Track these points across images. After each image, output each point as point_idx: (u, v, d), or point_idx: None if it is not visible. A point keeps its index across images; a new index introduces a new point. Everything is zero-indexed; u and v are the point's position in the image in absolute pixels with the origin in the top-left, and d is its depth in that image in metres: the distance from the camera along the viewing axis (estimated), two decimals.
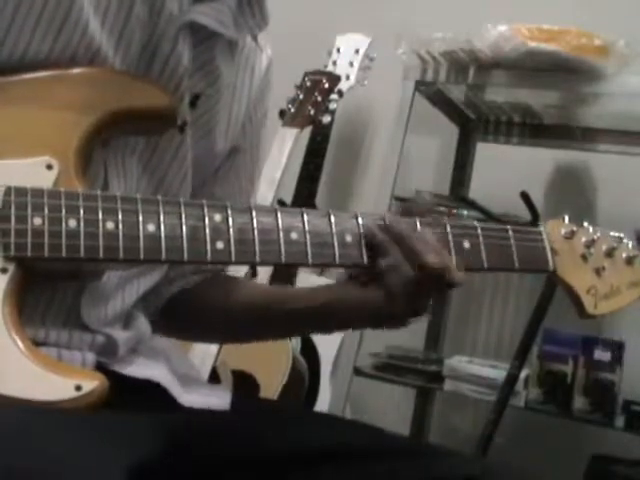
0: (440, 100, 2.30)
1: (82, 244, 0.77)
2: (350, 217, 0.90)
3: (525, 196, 1.87)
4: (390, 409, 2.47)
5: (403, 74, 2.13)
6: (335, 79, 2.28)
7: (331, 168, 2.58)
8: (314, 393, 2.23)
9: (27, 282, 0.78)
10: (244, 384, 2.01)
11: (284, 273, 2.17)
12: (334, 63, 2.37)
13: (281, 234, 0.86)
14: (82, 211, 0.78)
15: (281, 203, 2.19)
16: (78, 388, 0.74)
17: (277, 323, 1.02)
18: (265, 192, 2.03)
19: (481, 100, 2.33)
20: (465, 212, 2.05)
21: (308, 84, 2.26)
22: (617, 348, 2.06)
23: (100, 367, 0.86)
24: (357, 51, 2.38)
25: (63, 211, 0.78)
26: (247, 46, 1.02)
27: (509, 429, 2.14)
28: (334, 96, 2.27)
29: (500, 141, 2.49)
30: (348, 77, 2.34)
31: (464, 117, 2.45)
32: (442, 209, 2.08)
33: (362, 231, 0.90)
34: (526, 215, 1.87)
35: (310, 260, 0.87)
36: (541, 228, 1.01)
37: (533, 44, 1.97)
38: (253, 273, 2.03)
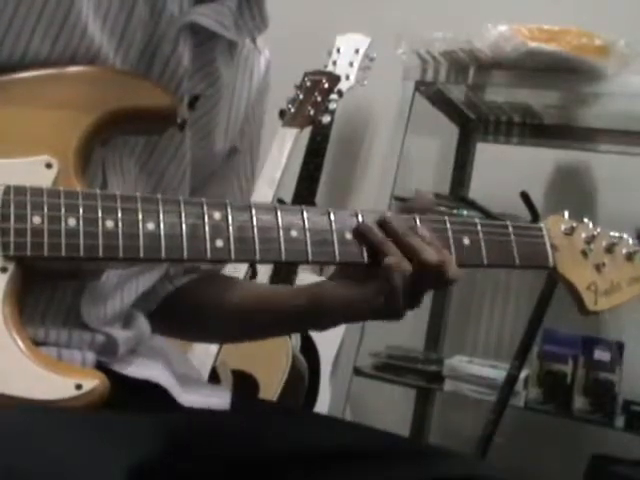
0: (440, 100, 2.30)
1: (82, 243, 0.77)
2: (350, 215, 0.90)
3: (525, 196, 1.88)
4: (390, 409, 2.48)
5: (403, 74, 2.13)
6: (335, 79, 2.28)
7: (331, 168, 2.58)
8: (314, 393, 2.23)
9: (27, 281, 0.78)
10: (244, 384, 2.01)
11: (284, 272, 2.17)
12: (334, 63, 2.37)
13: (281, 232, 0.86)
14: (81, 210, 0.78)
15: (281, 203, 2.18)
16: (78, 387, 0.74)
17: (267, 322, 1.03)
18: (265, 192, 2.03)
19: (481, 100, 2.33)
20: (465, 212, 2.06)
21: (308, 84, 2.26)
22: (617, 348, 2.06)
23: (100, 367, 0.86)
24: (357, 51, 2.38)
25: (62, 210, 0.78)
26: (246, 48, 1.03)
27: (509, 429, 2.14)
28: (334, 96, 2.27)
29: (500, 141, 2.49)
30: (348, 77, 2.34)
31: (464, 117, 2.45)
32: (442, 209, 2.08)
33: (358, 227, 0.89)
34: (526, 215, 1.89)
35: (310, 258, 0.86)
36: (541, 224, 1.01)
37: (533, 44, 1.97)
38: (253, 272, 2.03)
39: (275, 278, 2.19)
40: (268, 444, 0.90)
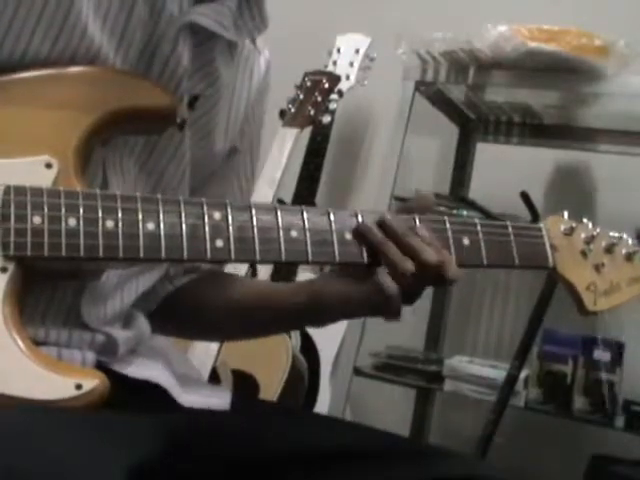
0: (440, 100, 2.29)
1: (82, 243, 0.77)
2: (350, 215, 0.90)
3: (525, 196, 1.88)
4: (390, 409, 2.47)
5: (403, 74, 2.13)
6: (335, 79, 2.28)
7: (331, 168, 2.58)
8: (314, 393, 2.23)
9: (27, 281, 0.78)
10: (244, 384, 2.01)
11: (284, 272, 2.18)
12: (334, 63, 2.37)
13: (281, 232, 0.86)
14: (82, 210, 0.78)
15: (281, 203, 2.19)
16: (78, 387, 0.74)
17: (267, 319, 1.03)
18: (265, 192, 2.03)
19: (481, 100, 2.33)
20: (465, 212, 2.06)
21: (308, 84, 2.26)
22: (617, 348, 2.06)
23: (100, 366, 0.86)
24: (357, 51, 2.38)
25: (63, 210, 0.78)
26: (246, 48, 1.03)
27: (509, 429, 2.14)
28: (334, 96, 2.27)
29: (500, 141, 2.49)
30: (348, 77, 2.34)
31: (464, 117, 2.45)
32: (442, 209, 2.08)
33: (357, 228, 0.89)
34: (526, 215, 1.89)
35: (310, 258, 0.87)
36: (541, 224, 1.01)
37: (533, 44, 1.97)
38: (253, 272, 2.03)
39: (275, 278, 2.19)
40: (268, 444, 0.90)
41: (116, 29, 0.87)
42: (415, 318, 2.34)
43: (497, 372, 2.10)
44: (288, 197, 2.29)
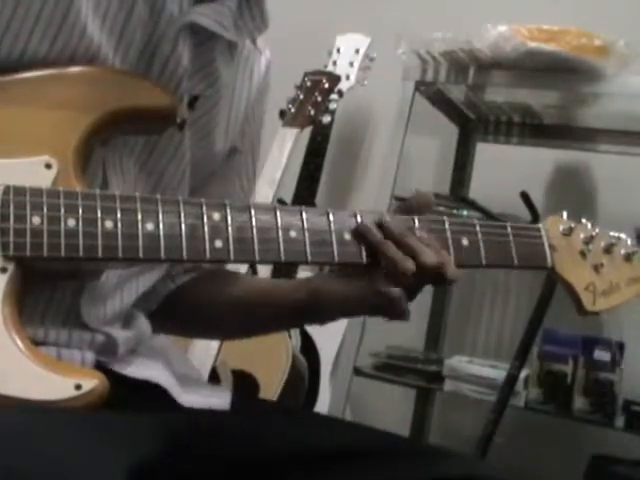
0: (440, 100, 2.29)
1: (81, 243, 0.77)
2: (349, 215, 0.90)
3: (525, 196, 1.88)
4: (390, 409, 2.47)
5: (403, 74, 2.13)
6: (335, 79, 2.28)
7: (331, 168, 2.58)
8: (314, 393, 2.23)
9: (26, 281, 0.78)
10: (244, 384, 2.01)
11: (283, 272, 2.17)
12: (334, 63, 2.37)
13: (280, 232, 0.86)
14: (81, 210, 0.78)
15: (281, 203, 2.19)
16: (78, 387, 0.74)
17: (268, 316, 1.03)
18: (265, 192, 2.03)
19: (481, 100, 2.33)
20: (465, 212, 2.06)
21: (308, 84, 2.26)
22: (617, 348, 2.06)
23: (100, 366, 0.86)
24: (357, 51, 2.38)
25: (62, 210, 0.78)
26: (246, 48, 1.03)
27: (509, 429, 2.14)
28: (334, 96, 2.27)
29: (500, 141, 2.49)
30: (348, 77, 2.34)
31: (464, 117, 2.45)
32: (442, 209, 2.08)
33: (356, 228, 0.89)
34: (526, 215, 1.89)
35: (309, 258, 0.87)
36: (540, 225, 1.01)
37: (533, 44, 1.97)
38: (253, 272, 2.03)
39: (275, 277, 2.19)
40: (268, 444, 0.90)
41: (115, 28, 0.87)
42: (415, 318, 2.34)
43: (497, 372, 2.10)
44: (288, 197, 2.29)
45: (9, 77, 0.83)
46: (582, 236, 1.03)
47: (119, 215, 0.79)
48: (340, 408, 2.10)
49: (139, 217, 0.80)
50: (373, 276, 0.89)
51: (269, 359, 2.08)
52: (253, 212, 0.85)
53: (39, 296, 0.84)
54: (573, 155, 2.42)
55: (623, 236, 1.05)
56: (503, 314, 2.47)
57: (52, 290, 0.85)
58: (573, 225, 1.02)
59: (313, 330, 2.26)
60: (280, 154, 2.12)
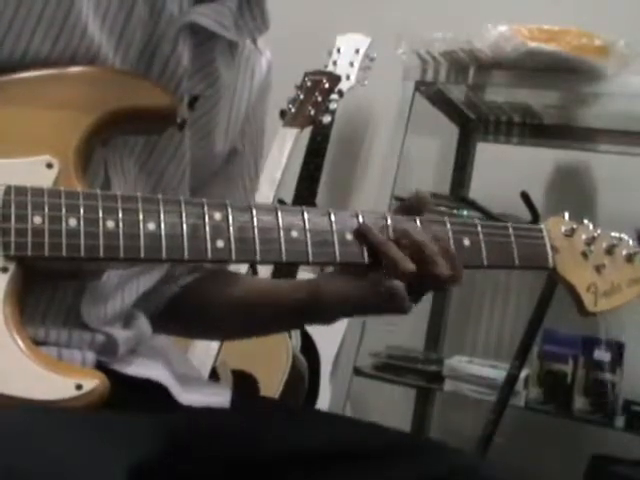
0: (440, 100, 2.29)
1: (82, 243, 0.77)
2: (350, 215, 0.90)
3: (525, 196, 1.88)
4: (390, 409, 2.47)
5: (403, 74, 2.13)
6: (335, 79, 2.28)
7: (331, 168, 2.58)
8: (314, 393, 2.23)
9: (27, 281, 0.78)
10: (244, 384, 2.01)
11: (284, 272, 2.17)
12: (334, 63, 2.37)
13: (281, 232, 0.86)
14: (82, 210, 0.78)
15: (281, 203, 2.19)
16: (78, 387, 0.74)
17: (268, 316, 1.03)
18: (266, 192, 2.03)
19: (481, 100, 2.33)
20: (465, 212, 2.06)
21: (308, 84, 2.26)
22: (617, 348, 2.06)
23: (100, 366, 0.86)
24: (357, 51, 2.38)
25: (63, 210, 0.78)
26: (247, 48, 1.03)
27: (509, 429, 2.14)
28: (334, 96, 2.27)
29: (500, 141, 2.49)
30: (348, 77, 2.34)
31: (464, 117, 2.45)
32: (442, 209, 2.08)
33: (358, 228, 0.90)
34: (526, 215, 1.88)
35: (311, 258, 0.87)
36: (541, 225, 1.01)
37: (533, 44, 1.97)
38: (254, 272, 2.03)
39: (276, 278, 2.19)
40: (268, 444, 0.90)
41: (115, 28, 0.87)
42: (415, 318, 2.34)
43: (497, 372, 2.10)
44: (288, 197, 2.29)
45: (9, 77, 0.83)
46: (584, 237, 1.03)
47: (120, 215, 0.79)
48: (340, 408, 2.10)
49: (140, 217, 0.80)
50: (374, 276, 0.90)
51: (269, 359, 2.08)
52: (254, 212, 0.85)
53: (40, 296, 0.84)
54: (573, 155, 2.42)
55: (625, 237, 1.05)
56: (503, 314, 2.47)
57: (53, 290, 0.85)
58: (575, 226, 1.02)
59: (313, 330, 2.26)
60: (280, 154, 2.12)
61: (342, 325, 2.20)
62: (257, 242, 0.84)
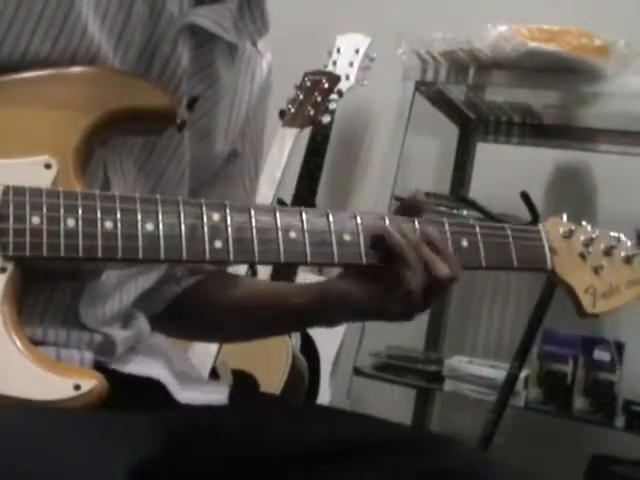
0: (440, 100, 2.30)
1: (80, 243, 0.77)
2: (349, 216, 0.90)
3: (525, 196, 1.88)
4: (390, 409, 2.47)
5: (403, 74, 2.13)
6: (335, 79, 2.28)
7: (331, 168, 2.58)
8: (314, 393, 2.23)
9: (26, 281, 0.78)
10: (244, 384, 2.01)
11: (283, 272, 2.17)
12: (334, 63, 2.37)
13: (280, 233, 0.86)
14: (81, 210, 0.78)
15: (281, 203, 2.19)
16: (77, 387, 0.74)
17: (267, 318, 1.03)
18: (265, 192, 2.03)
19: (481, 100, 2.33)
20: (465, 212, 2.06)
21: (308, 84, 2.26)
22: (617, 348, 2.06)
23: (98, 366, 0.86)
24: (357, 51, 2.37)
25: (61, 210, 0.78)
26: (247, 50, 1.03)
27: (509, 429, 2.14)
28: (334, 96, 2.27)
29: (500, 141, 2.49)
30: (348, 77, 2.34)
31: (464, 117, 2.45)
32: (442, 209, 2.08)
33: (376, 232, 0.90)
34: (526, 215, 1.88)
35: (309, 259, 0.87)
36: (540, 227, 1.01)
37: (533, 44, 1.97)
38: (253, 273, 2.03)
39: (275, 278, 2.19)
40: (268, 443, 0.90)
41: (115, 28, 0.87)
42: (415, 318, 2.33)
43: (497, 372, 2.10)
44: (288, 197, 2.29)
45: (9, 77, 0.83)
46: (582, 238, 1.03)
47: (119, 215, 0.79)
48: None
49: (139, 217, 0.80)
50: (391, 279, 0.90)
51: (269, 359, 2.07)
52: (253, 213, 0.85)
53: (38, 296, 0.84)
54: (573, 155, 2.42)
55: (623, 238, 1.05)
56: (503, 314, 2.47)
57: (51, 290, 0.85)
58: (573, 227, 1.02)
59: (313, 330, 2.26)
60: (280, 154, 2.12)
61: (342, 325, 2.20)
62: (255, 243, 0.84)
